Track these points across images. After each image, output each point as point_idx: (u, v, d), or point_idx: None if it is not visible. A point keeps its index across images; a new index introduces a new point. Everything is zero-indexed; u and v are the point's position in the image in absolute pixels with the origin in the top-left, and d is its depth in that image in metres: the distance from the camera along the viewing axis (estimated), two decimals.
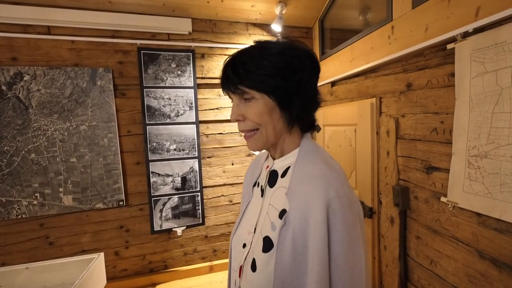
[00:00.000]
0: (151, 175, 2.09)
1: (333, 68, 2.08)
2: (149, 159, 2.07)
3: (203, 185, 2.25)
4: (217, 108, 2.25)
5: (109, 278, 2.03)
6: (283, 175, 0.56)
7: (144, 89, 2.04)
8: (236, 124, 2.34)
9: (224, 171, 2.31)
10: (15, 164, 1.83)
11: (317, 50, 2.36)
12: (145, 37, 2.03)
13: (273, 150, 0.59)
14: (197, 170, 2.20)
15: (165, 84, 2.08)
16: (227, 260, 2.36)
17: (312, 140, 0.58)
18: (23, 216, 1.86)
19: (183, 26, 2.05)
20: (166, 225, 2.14)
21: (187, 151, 2.17)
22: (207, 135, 2.25)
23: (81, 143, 1.95)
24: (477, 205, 1.00)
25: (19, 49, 1.81)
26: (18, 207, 1.85)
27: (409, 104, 1.35)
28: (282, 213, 0.51)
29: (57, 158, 1.91)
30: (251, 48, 0.52)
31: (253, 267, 0.50)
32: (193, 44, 2.10)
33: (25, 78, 1.82)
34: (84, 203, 1.97)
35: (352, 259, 0.45)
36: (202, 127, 2.23)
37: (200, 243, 2.30)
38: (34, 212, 1.87)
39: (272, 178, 0.58)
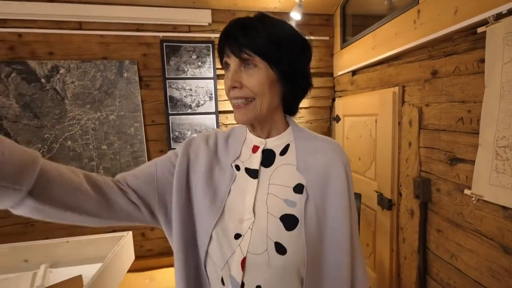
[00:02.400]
0: None
1: (354, 56, 2.02)
2: (172, 147, 2.18)
3: None
4: None
5: (137, 257, 2.20)
6: (283, 153, 0.55)
7: (167, 80, 2.13)
8: None
9: None
10: (54, 150, 2.02)
11: (338, 38, 2.29)
12: (167, 30, 2.10)
13: (259, 126, 0.55)
14: None
15: (186, 75, 2.15)
16: None
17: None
18: None
19: (203, 17, 2.09)
20: None
21: None
22: (226, 125, 2.31)
23: (110, 132, 2.09)
24: (504, 198, 0.95)
25: (55, 44, 1.96)
26: None
27: (434, 92, 1.29)
28: (298, 188, 0.51)
29: (90, 145, 2.07)
30: (261, 15, 0.51)
31: (281, 250, 0.47)
32: (212, 35, 2.13)
33: (60, 71, 1.97)
34: None
35: (355, 206, 0.57)
36: (222, 117, 2.28)
37: None
38: None
39: (268, 157, 0.55)
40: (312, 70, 2.28)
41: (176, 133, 2.18)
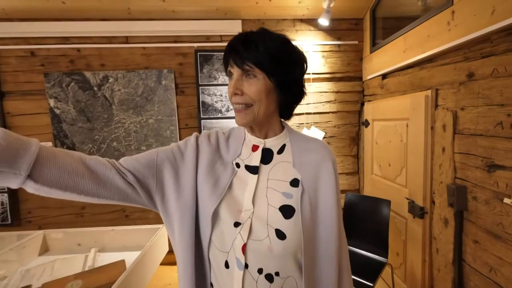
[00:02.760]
0: None
1: (384, 60, 1.98)
2: None
3: None
4: None
5: (170, 251, 2.36)
6: (280, 152, 0.62)
7: (200, 87, 2.28)
8: None
9: None
10: (102, 150, 2.28)
11: (367, 42, 2.26)
12: (201, 40, 2.26)
13: (257, 128, 0.61)
14: None
15: (218, 82, 2.29)
16: None
17: None
18: None
19: (234, 27, 2.22)
20: None
21: None
22: None
23: (149, 134, 2.30)
24: None
25: (106, 57, 2.23)
26: None
27: (470, 95, 1.23)
28: (295, 182, 0.59)
29: (132, 146, 2.30)
30: (262, 31, 0.56)
31: (281, 236, 0.54)
32: None
33: (110, 80, 2.23)
34: None
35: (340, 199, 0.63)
36: None
37: None
38: None
39: (266, 155, 0.62)
40: (340, 75, 2.31)
41: None
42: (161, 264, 2.32)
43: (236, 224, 0.54)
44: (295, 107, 0.65)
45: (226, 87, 2.29)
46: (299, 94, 0.62)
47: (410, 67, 1.70)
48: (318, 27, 2.28)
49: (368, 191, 2.30)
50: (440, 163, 1.44)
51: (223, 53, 0.59)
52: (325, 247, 0.57)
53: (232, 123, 2.32)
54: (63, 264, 1.27)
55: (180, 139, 2.33)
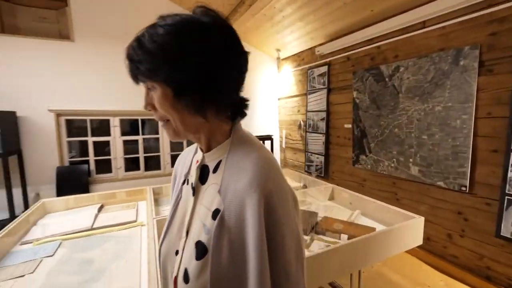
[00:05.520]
0: (510, 169, 1.69)
1: None
2: None
3: None
4: None
5: (437, 255, 2.13)
6: (215, 170, 0.49)
7: None
8: None
9: None
10: (384, 135, 2.55)
11: None
12: None
13: (198, 141, 0.53)
14: None
15: None
16: None
17: (242, 128, 0.52)
18: (383, 172, 2.58)
19: None
20: None
21: None
22: None
23: (433, 123, 2.13)
24: None
25: (399, 47, 2.37)
26: (382, 165, 2.60)
27: None
28: (216, 213, 0.45)
29: (412, 134, 2.30)
30: (147, 28, 0.44)
31: (186, 278, 0.45)
32: None
33: (400, 70, 2.37)
34: (427, 176, 2.20)
35: (296, 249, 0.44)
36: None
37: None
38: (390, 172, 2.51)
39: (203, 174, 0.51)
40: None
41: None
42: (414, 255, 2.24)
43: (177, 253, 0.51)
44: (234, 99, 0.49)
45: None
46: (215, 88, 0.45)
47: None
48: None
49: None
50: None
51: None
52: None
53: None
54: (339, 211, 1.81)
55: (475, 131, 1.90)
